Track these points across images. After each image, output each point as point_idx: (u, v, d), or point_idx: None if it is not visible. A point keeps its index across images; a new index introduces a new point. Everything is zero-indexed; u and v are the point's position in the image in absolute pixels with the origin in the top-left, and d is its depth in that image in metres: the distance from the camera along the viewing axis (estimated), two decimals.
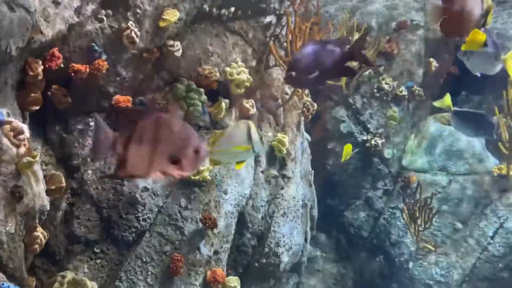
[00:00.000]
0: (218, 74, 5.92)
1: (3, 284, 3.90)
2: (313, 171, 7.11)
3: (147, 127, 2.80)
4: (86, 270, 5.16)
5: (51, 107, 5.17)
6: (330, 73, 4.26)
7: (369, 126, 8.63)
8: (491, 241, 7.79)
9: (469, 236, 7.94)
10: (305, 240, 6.85)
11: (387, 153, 8.65)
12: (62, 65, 5.05)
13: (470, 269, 7.81)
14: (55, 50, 4.98)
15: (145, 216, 5.41)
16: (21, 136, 4.36)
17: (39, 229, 4.45)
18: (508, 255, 7.70)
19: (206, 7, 5.84)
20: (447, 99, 6.41)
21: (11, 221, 4.14)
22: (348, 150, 7.85)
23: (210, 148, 4.33)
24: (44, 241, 4.58)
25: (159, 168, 2.88)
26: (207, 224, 5.60)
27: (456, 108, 6.64)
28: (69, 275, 4.84)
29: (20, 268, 4.31)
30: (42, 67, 4.90)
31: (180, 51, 5.66)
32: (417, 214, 7.66)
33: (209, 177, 5.63)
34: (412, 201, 7.78)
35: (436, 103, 6.92)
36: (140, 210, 5.37)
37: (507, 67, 4.94)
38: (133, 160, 2.82)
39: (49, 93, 5.10)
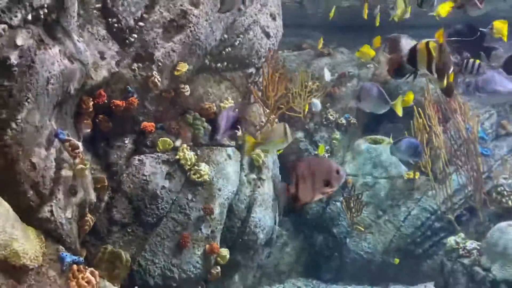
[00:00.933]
0: (215, 107, 5.90)
1: (62, 253, 3.85)
2: (280, 175, 7.09)
3: (303, 168, 3.11)
4: (121, 244, 5.11)
5: (98, 130, 5.13)
6: None
7: (319, 144, 8.68)
8: (403, 224, 7.81)
9: (387, 221, 7.96)
10: (275, 223, 6.82)
11: None
12: (106, 101, 5.04)
13: (388, 243, 7.83)
14: (102, 91, 4.97)
15: (163, 206, 5.36)
16: (77, 150, 4.32)
17: (89, 215, 4.45)
18: (414, 234, 7.74)
19: (207, 61, 5.84)
20: None
21: (69, 210, 4.11)
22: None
23: (262, 141, 4.58)
24: (91, 224, 4.57)
25: (319, 191, 3.16)
26: (206, 212, 5.56)
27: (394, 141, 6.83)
28: (109, 247, 4.82)
29: (75, 243, 4.25)
30: (92, 102, 4.90)
31: (189, 92, 5.64)
32: (352, 205, 7.67)
33: (208, 179, 5.60)
34: (349, 196, 7.79)
35: None
36: (159, 202, 5.34)
37: (396, 109, 4.91)
38: (302, 193, 3.10)
39: (97, 120, 5.08)
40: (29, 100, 3.84)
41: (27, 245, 3.59)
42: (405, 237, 7.88)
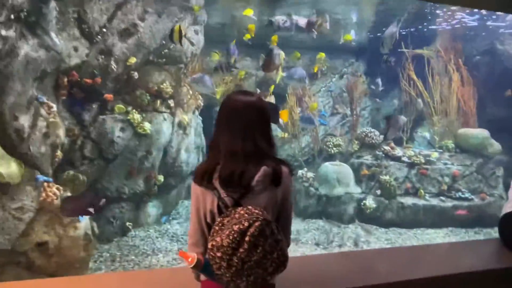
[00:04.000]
0: (156, 87, 5.65)
1: (37, 175, 3.65)
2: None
3: None
4: (89, 171, 4.81)
5: (75, 99, 4.79)
6: None
7: None
8: None
9: None
10: (198, 160, 6.72)
11: None
12: (79, 79, 4.73)
13: None
14: (74, 72, 4.64)
15: (118, 148, 5.12)
16: (51, 109, 4.05)
17: (59, 151, 4.11)
18: None
19: (151, 57, 5.58)
20: None
21: (43, 147, 3.84)
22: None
23: None
24: (60, 157, 4.20)
25: None
26: (148, 152, 5.36)
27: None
28: (71, 172, 4.52)
29: (48, 169, 3.92)
30: (67, 79, 4.57)
31: (137, 76, 5.33)
32: None
33: (149, 132, 5.33)
34: None
35: None
36: (115, 146, 5.08)
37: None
38: None
39: (73, 91, 4.78)
40: (12, 74, 3.56)
41: (8, 169, 3.39)
42: None
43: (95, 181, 4.97)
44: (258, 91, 7.27)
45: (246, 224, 1.41)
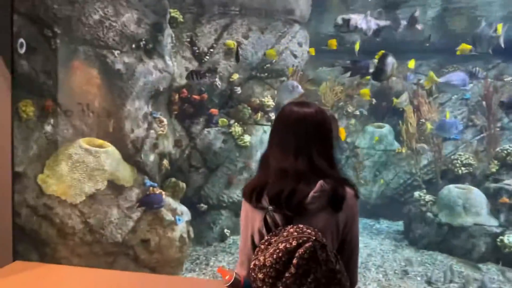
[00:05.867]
0: (258, 101, 5.86)
1: (145, 180, 4.19)
2: None
3: None
4: (194, 178, 5.30)
5: (185, 113, 5.34)
6: None
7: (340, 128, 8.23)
8: (391, 181, 7.30)
9: (381, 178, 7.47)
10: None
11: None
12: (188, 96, 5.30)
13: (380, 193, 7.36)
14: (184, 89, 5.21)
15: (220, 158, 5.42)
16: (162, 123, 4.64)
17: (165, 160, 4.61)
18: (398, 188, 7.21)
19: (253, 73, 5.84)
20: None
21: (152, 156, 4.39)
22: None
23: None
24: (167, 165, 4.67)
25: None
26: (246, 164, 5.60)
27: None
28: (173, 179, 4.76)
29: (155, 175, 4.47)
30: (178, 96, 5.17)
31: (240, 91, 5.61)
32: (357, 167, 7.31)
33: (249, 145, 5.55)
34: (357, 161, 7.40)
35: None
36: (218, 156, 5.42)
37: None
38: None
39: (184, 107, 5.35)
40: (132, 94, 4.22)
41: (125, 174, 4.01)
42: (392, 189, 7.33)
43: (199, 188, 5.43)
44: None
45: (294, 243, 1.20)
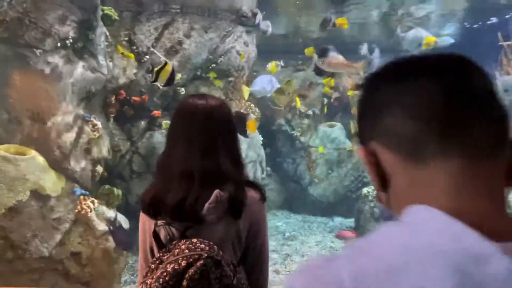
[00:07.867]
0: None
1: (75, 189, 3.92)
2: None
3: None
4: (137, 184, 5.04)
5: (124, 115, 5.14)
6: None
7: (295, 128, 8.27)
8: (344, 178, 7.45)
9: (335, 176, 7.59)
10: (253, 174, 6.53)
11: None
12: (127, 97, 5.06)
13: (334, 190, 7.49)
14: (122, 91, 4.98)
15: None
16: (96, 127, 4.36)
17: (99, 166, 4.30)
18: (350, 185, 7.37)
19: (198, 73, 5.70)
20: None
21: (83, 162, 4.10)
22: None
23: None
24: (100, 172, 4.33)
25: None
26: None
27: None
28: (107, 186, 4.50)
29: (88, 183, 4.17)
30: (115, 98, 4.92)
31: (184, 92, 5.44)
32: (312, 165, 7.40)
33: None
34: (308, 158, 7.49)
35: None
36: None
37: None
38: None
39: (123, 109, 5.11)
40: (58, 96, 3.93)
41: (50, 183, 3.72)
42: (345, 187, 7.47)
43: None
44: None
45: (183, 263, 1.11)
